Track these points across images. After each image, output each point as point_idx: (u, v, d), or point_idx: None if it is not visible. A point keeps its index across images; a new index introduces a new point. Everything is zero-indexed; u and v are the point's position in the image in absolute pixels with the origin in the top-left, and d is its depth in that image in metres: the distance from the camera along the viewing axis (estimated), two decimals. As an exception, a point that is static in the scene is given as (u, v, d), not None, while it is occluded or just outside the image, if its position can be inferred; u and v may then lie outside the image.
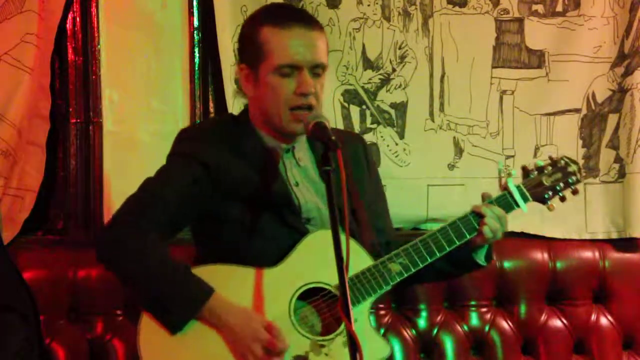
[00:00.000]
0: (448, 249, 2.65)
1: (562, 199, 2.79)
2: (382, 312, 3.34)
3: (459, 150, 3.52)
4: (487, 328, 3.39)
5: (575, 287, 3.46)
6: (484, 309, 3.41)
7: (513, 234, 3.33)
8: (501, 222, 2.66)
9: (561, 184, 2.77)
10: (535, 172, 2.77)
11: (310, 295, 2.57)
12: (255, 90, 2.63)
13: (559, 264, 3.46)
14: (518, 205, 2.71)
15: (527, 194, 2.74)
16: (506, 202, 2.71)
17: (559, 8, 3.55)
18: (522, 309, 3.42)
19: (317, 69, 2.59)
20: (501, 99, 3.54)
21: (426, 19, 3.47)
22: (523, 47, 3.54)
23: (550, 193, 2.76)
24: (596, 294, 3.49)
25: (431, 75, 3.49)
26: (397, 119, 3.48)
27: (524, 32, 3.54)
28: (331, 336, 2.53)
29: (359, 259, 2.58)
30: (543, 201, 2.77)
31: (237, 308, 2.48)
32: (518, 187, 2.73)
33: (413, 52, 3.47)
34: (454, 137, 3.51)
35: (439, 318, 3.37)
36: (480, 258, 2.74)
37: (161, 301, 2.46)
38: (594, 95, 3.59)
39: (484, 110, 3.53)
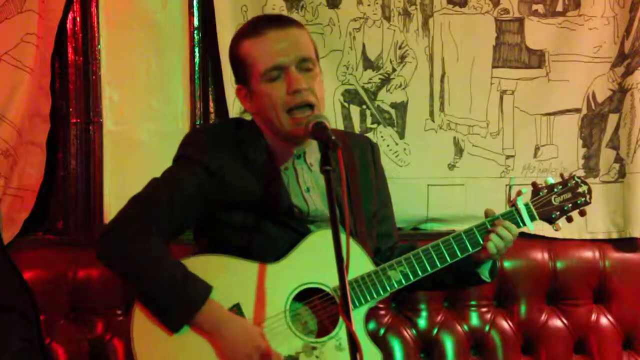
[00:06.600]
0: (450, 261, 2.63)
1: (569, 219, 2.75)
2: (382, 312, 3.34)
3: (459, 150, 3.52)
4: (487, 328, 3.39)
5: (575, 287, 3.46)
6: (484, 309, 3.41)
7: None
8: (506, 240, 2.63)
9: (569, 205, 2.73)
10: (545, 190, 2.73)
11: (307, 296, 2.57)
12: (253, 105, 2.63)
13: (559, 264, 3.46)
14: (524, 224, 2.68)
15: (535, 213, 2.70)
16: (513, 220, 2.67)
17: (559, 8, 3.55)
18: (522, 309, 3.42)
19: (305, 64, 2.57)
20: (501, 99, 3.53)
21: (426, 19, 3.47)
22: (523, 47, 3.54)
23: (558, 213, 2.72)
24: (596, 294, 3.49)
25: (431, 75, 3.49)
26: (397, 119, 3.48)
27: (524, 32, 3.53)
28: (324, 339, 2.53)
29: (361, 263, 2.58)
30: (550, 221, 2.72)
31: (232, 318, 2.49)
32: (527, 205, 2.69)
33: (413, 52, 3.47)
34: (454, 137, 3.51)
35: (439, 318, 3.37)
36: (485, 273, 2.73)
37: (159, 303, 2.46)
38: (594, 95, 3.59)
39: (484, 110, 3.53)
